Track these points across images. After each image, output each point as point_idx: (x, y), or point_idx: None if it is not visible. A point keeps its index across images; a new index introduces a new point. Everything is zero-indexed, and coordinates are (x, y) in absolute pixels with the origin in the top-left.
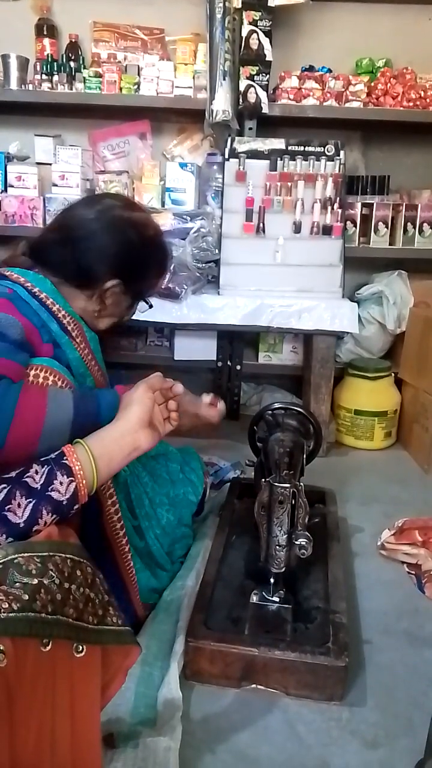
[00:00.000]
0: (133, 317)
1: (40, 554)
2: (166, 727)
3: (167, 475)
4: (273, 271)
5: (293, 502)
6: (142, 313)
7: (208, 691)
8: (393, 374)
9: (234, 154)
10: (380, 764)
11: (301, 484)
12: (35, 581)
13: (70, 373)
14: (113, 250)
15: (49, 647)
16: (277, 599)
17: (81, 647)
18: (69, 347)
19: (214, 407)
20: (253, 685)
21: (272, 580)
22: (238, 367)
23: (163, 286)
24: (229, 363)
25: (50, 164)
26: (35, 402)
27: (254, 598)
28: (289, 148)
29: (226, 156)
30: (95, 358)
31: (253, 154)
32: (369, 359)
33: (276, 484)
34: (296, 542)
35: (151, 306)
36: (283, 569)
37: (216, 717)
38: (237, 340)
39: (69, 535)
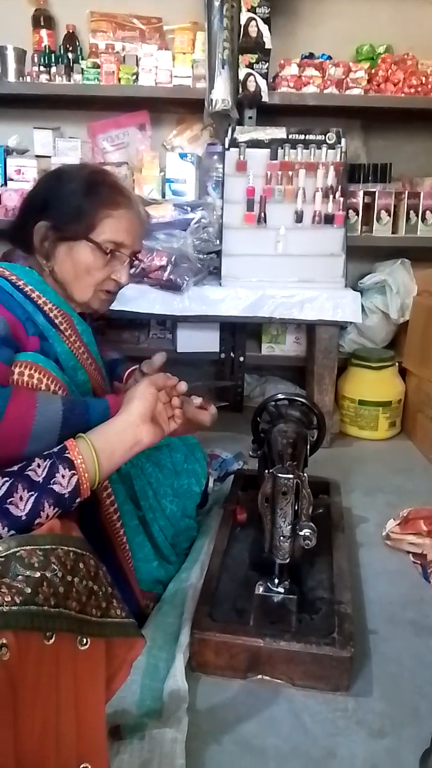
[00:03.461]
0: (135, 310)
1: (42, 547)
2: (172, 719)
3: (171, 466)
4: (275, 262)
5: (297, 492)
6: (133, 274)
7: (214, 683)
8: (397, 364)
9: (234, 143)
10: (386, 753)
11: (305, 474)
12: (38, 574)
13: (58, 368)
14: (31, 193)
15: (52, 640)
16: (282, 590)
17: (85, 640)
18: (56, 340)
19: (205, 410)
20: (259, 676)
21: (277, 571)
22: (241, 359)
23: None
24: (232, 354)
25: (49, 157)
26: (23, 410)
27: (259, 590)
28: (290, 136)
29: (227, 146)
30: (88, 351)
31: (254, 144)
32: (372, 349)
33: (279, 475)
34: (300, 533)
35: (136, 260)
36: (288, 560)
37: (222, 708)
38: (239, 332)
39: (71, 528)
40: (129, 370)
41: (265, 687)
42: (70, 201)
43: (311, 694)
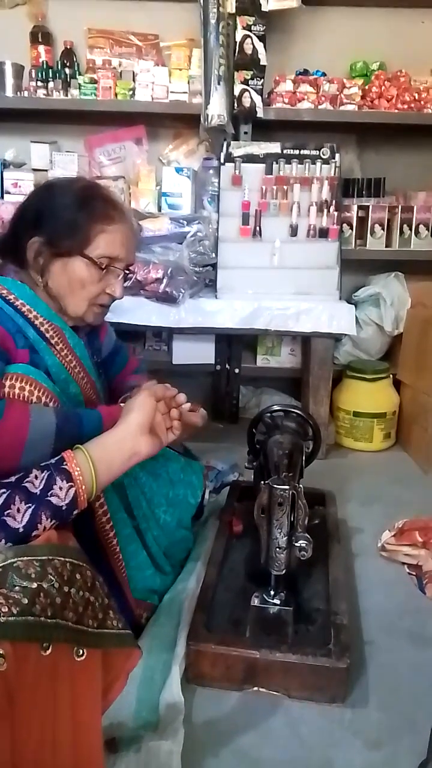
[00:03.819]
0: (131, 322)
1: (39, 558)
2: (168, 731)
3: (167, 475)
4: (270, 274)
5: (293, 504)
6: (128, 286)
7: (210, 694)
8: (391, 375)
9: (230, 158)
10: (384, 764)
11: (301, 485)
12: (34, 585)
13: (49, 380)
14: (23, 206)
15: (49, 651)
16: (278, 601)
17: (81, 651)
18: (47, 353)
19: (195, 413)
20: (255, 688)
21: (273, 583)
22: (237, 371)
23: (157, 290)
24: (227, 366)
25: (46, 170)
26: (17, 423)
27: (255, 601)
28: (285, 151)
29: (222, 160)
30: (81, 364)
31: (249, 158)
32: (367, 361)
33: (275, 486)
34: (296, 544)
35: (129, 272)
36: (284, 571)
37: (218, 720)
38: (235, 344)
39: (68, 538)
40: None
41: (261, 698)
42: (64, 216)
43: (308, 706)
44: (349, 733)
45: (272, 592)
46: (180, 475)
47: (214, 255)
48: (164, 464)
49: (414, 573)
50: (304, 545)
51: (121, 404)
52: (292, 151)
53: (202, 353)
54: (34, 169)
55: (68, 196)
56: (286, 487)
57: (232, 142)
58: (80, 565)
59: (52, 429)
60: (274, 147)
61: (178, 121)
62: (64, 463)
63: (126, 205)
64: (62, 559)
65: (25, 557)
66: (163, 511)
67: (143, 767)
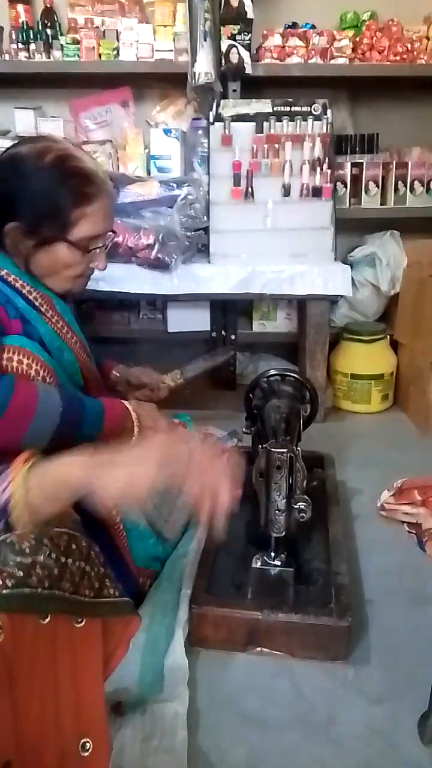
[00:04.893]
0: (124, 290)
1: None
2: (173, 694)
3: None
4: (263, 237)
5: (290, 466)
6: (120, 253)
7: (214, 657)
8: (388, 337)
9: (219, 117)
10: (386, 718)
11: (298, 449)
12: (29, 560)
13: (43, 349)
14: None
15: (47, 620)
16: (278, 563)
17: (80, 619)
18: (39, 321)
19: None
20: (258, 649)
21: (273, 545)
22: (233, 337)
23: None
24: (223, 333)
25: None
26: (24, 402)
27: (256, 564)
28: (275, 109)
29: (211, 120)
30: (71, 329)
31: (239, 117)
32: (364, 323)
33: (273, 449)
34: (295, 506)
35: (112, 239)
36: (284, 533)
37: (222, 682)
38: (230, 310)
39: (66, 513)
40: (108, 367)
41: (264, 659)
42: (41, 203)
43: (310, 665)
44: (352, 691)
45: (273, 554)
46: None
47: (205, 218)
48: None
49: (414, 531)
50: (303, 507)
51: (115, 373)
52: (282, 108)
53: (197, 320)
54: (19, 136)
55: (41, 178)
56: (284, 450)
57: (221, 101)
58: (76, 535)
59: (58, 411)
60: (264, 105)
61: (164, 81)
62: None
63: (101, 169)
64: (59, 529)
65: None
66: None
67: (149, 729)
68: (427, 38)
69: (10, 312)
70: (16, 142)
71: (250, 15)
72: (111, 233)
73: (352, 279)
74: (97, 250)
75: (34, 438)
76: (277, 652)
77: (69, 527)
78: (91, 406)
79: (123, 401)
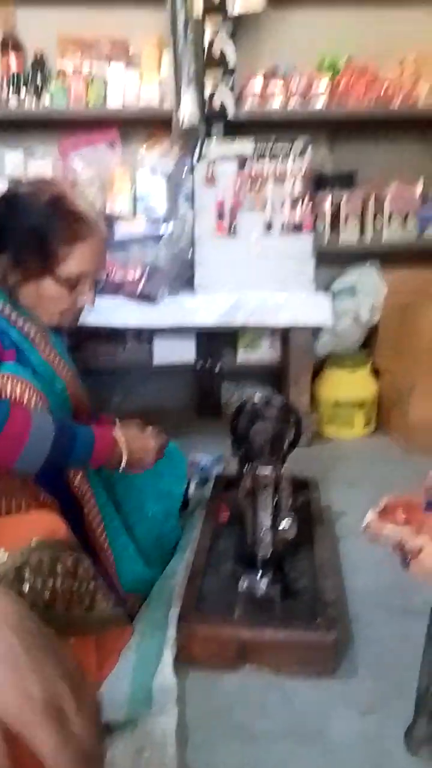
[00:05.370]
0: (111, 323)
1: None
2: (162, 711)
3: (154, 467)
4: (247, 269)
5: (276, 486)
6: (106, 288)
7: (203, 675)
8: (370, 363)
9: (203, 157)
10: (374, 728)
11: (284, 469)
12: (15, 589)
13: (36, 378)
14: None
15: None
16: (265, 582)
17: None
18: (32, 352)
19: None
20: (247, 666)
21: (260, 564)
22: (218, 367)
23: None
24: (209, 363)
25: (21, 178)
26: (20, 428)
27: (244, 582)
28: (257, 148)
29: (195, 160)
30: (63, 361)
31: (222, 157)
32: (346, 351)
33: (259, 468)
34: (281, 525)
35: (103, 279)
36: (270, 553)
37: (212, 699)
38: (215, 340)
39: (55, 529)
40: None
41: (253, 676)
42: (31, 238)
43: (299, 680)
44: (341, 702)
45: (260, 573)
46: (166, 467)
47: (190, 252)
48: None
49: (398, 550)
50: (288, 525)
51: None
52: (264, 147)
53: (183, 351)
54: (9, 177)
55: (34, 215)
56: (269, 467)
57: (204, 142)
58: (59, 554)
59: (50, 437)
60: (247, 144)
61: (151, 123)
62: None
63: (95, 211)
64: (37, 555)
65: None
66: (152, 504)
67: (138, 746)
68: (402, 80)
69: (5, 342)
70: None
71: (232, 61)
72: (102, 273)
73: (334, 309)
74: (87, 287)
75: (26, 462)
76: (266, 669)
77: (52, 547)
78: (82, 434)
79: (113, 430)
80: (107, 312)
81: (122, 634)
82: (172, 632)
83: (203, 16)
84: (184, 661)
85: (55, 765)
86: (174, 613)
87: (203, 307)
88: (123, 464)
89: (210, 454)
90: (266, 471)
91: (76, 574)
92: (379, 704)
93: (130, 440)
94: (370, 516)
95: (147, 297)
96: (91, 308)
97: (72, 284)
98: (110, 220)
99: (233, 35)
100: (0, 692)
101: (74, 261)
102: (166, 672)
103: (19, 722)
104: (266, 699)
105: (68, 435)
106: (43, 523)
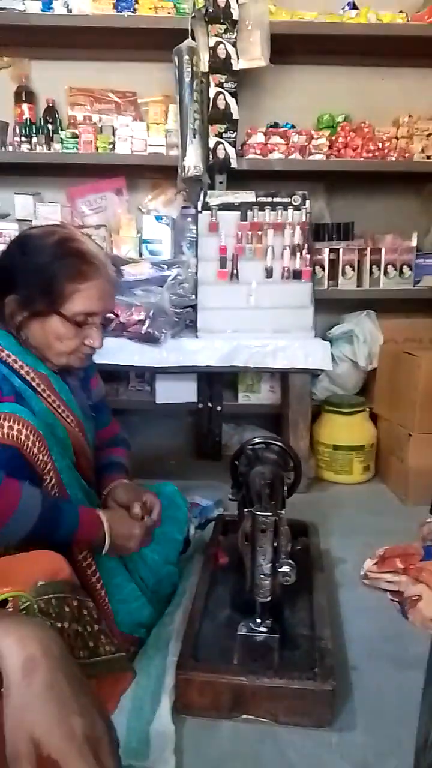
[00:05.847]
0: (115, 362)
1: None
2: (159, 760)
3: None
4: (248, 314)
5: (275, 530)
6: (110, 329)
7: (200, 724)
8: (368, 409)
9: (206, 206)
10: None
11: (283, 513)
12: None
13: (36, 418)
14: None
15: None
16: (264, 629)
17: None
18: (34, 399)
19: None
20: (244, 715)
21: (258, 611)
22: (219, 408)
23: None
24: (209, 404)
25: (30, 221)
26: (7, 500)
27: (242, 630)
28: (258, 199)
29: (199, 208)
30: (68, 408)
31: (225, 206)
32: (344, 395)
33: (258, 513)
34: (280, 570)
35: (110, 320)
36: (269, 599)
37: (208, 749)
38: (216, 382)
39: (58, 570)
40: (110, 480)
41: (250, 726)
42: (38, 276)
43: (295, 731)
44: (337, 756)
45: (258, 620)
46: (166, 512)
47: (193, 297)
48: None
49: (396, 599)
50: (287, 570)
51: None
52: (265, 198)
53: (185, 392)
54: (18, 220)
55: (42, 254)
56: (269, 513)
57: (208, 191)
58: (66, 597)
59: (36, 514)
60: (248, 195)
61: (156, 172)
62: None
63: (103, 254)
64: (46, 597)
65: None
66: (151, 550)
67: None
68: (396, 138)
69: (5, 389)
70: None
71: (235, 116)
72: (111, 315)
73: (332, 354)
74: (94, 328)
75: (8, 534)
76: (263, 719)
77: (57, 591)
78: (68, 513)
79: (100, 512)
80: (111, 352)
81: (122, 678)
82: (170, 680)
83: (209, 71)
84: (180, 709)
85: None
86: (172, 660)
87: (205, 350)
88: (106, 548)
89: (209, 498)
90: (265, 515)
91: (81, 617)
92: (375, 759)
93: (115, 525)
94: (369, 565)
95: (151, 338)
96: (99, 349)
97: (79, 323)
98: (118, 263)
99: (236, 91)
100: (46, 724)
101: (81, 300)
102: (163, 719)
103: (60, 755)
104: (261, 751)
105: (54, 513)
106: (45, 563)
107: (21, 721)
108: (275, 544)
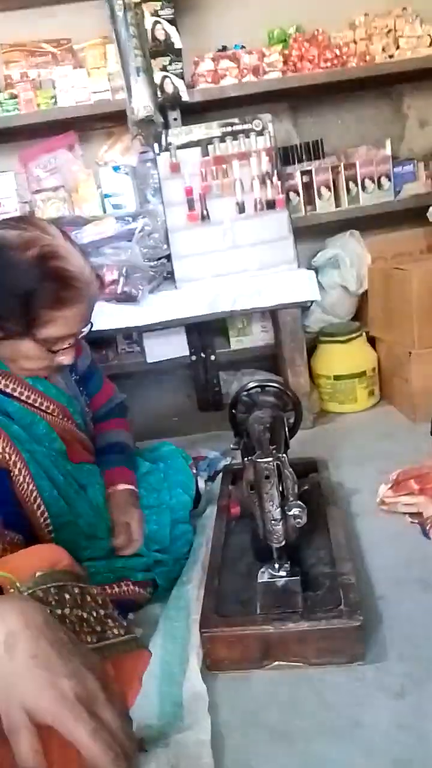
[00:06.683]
0: (98, 328)
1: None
2: (194, 722)
3: (147, 485)
4: (225, 256)
5: (279, 475)
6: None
7: (232, 678)
8: (365, 333)
9: (164, 147)
10: (410, 711)
11: (284, 455)
12: None
13: (11, 422)
14: None
15: None
16: (284, 573)
17: None
18: (6, 403)
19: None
20: (275, 663)
21: (276, 556)
22: (213, 357)
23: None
24: (203, 355)
25: None
26: None
27: (262, 577)
28: (218, 131)
29: (158, 151)
30: (47, 397)
31: (184, 144)
32: (338, 323)
33: (258, 460)
34: (289, 513)
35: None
36: (284, 542)
37: (243, 701)
38: (206, 331)
39: (57, 560)
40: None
41: (282, 673)
42: (13, 297)
43: (329, 671)
44: (373, 689)
45: (277, 565)
46: (164, 483)
47: (166, 246)
48: (142, 480)
49: (416, 521)
50: (297, 513)
51: None
52: (225, 129)
53: (175, 347)
54: None
55: (18, 272)
56: (270, 459)
57: (164, 131)
58: (64, 584)
59: None
60: (207, 128)
61: (106, 121)
62: None
63: (87, 270)
64: (45, 586)
65: None
66: (154, 522)
67: (173, 760)
68: (354, 42)
69: None
70: (5, 220)
71: (177, 44)
72: (84, 328)
73: (320, 282)
74: (67, 346)
75: None
76: (294, 663)
77: (56, 580)
78: None
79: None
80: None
81: (140, 658)
82: (195, 639)
83: (141, 1)
84: (210, 666)
85: (89, 751)
86: (195, 619)
87: (187, 300)
88: None
89: (215, 449)
90: (266, 461)
91: (84, 603)
92: (412, 686)
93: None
94: (383, 490)
95: (128, 297)
96: (69, 363)
97: (50, 346)
98: (78, 223)
99: (174, 18)
100: (35, 691)
101: (55, 326)
102: (194, 680)
103: (53, 718)
104: (297, 696)
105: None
106: (45, 555)
107: (10, 693)
108: (281, 489)
